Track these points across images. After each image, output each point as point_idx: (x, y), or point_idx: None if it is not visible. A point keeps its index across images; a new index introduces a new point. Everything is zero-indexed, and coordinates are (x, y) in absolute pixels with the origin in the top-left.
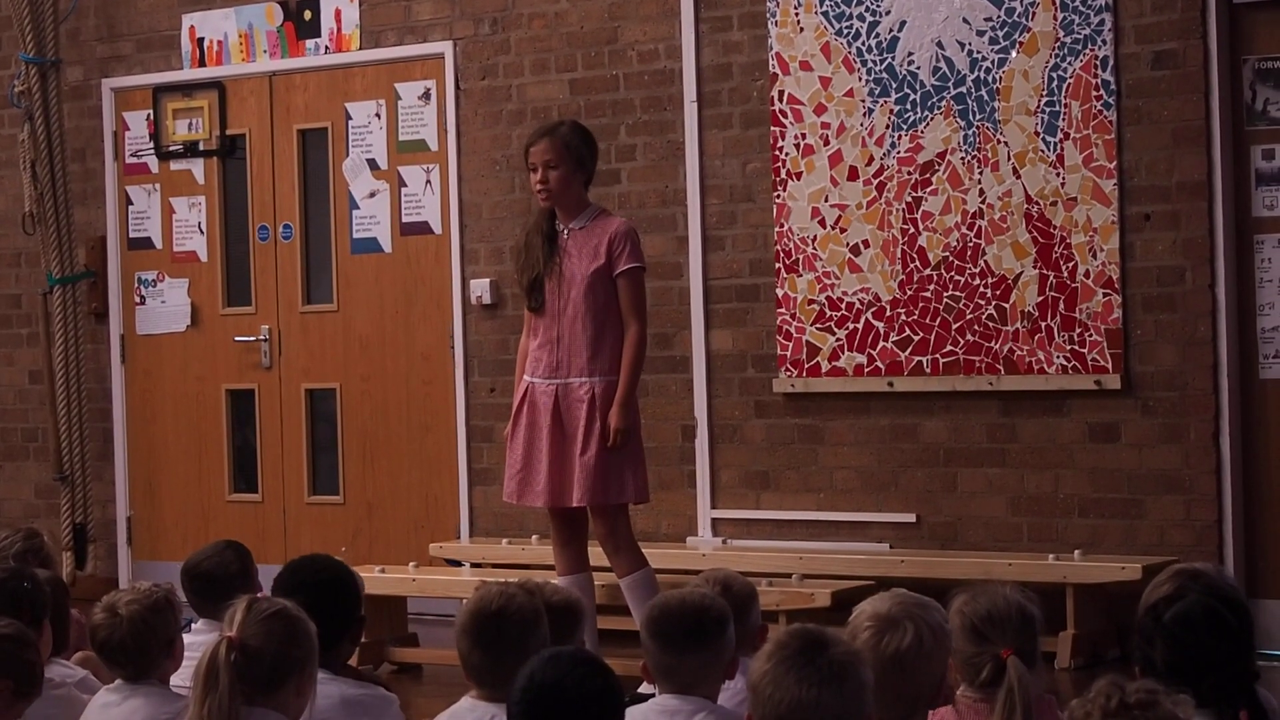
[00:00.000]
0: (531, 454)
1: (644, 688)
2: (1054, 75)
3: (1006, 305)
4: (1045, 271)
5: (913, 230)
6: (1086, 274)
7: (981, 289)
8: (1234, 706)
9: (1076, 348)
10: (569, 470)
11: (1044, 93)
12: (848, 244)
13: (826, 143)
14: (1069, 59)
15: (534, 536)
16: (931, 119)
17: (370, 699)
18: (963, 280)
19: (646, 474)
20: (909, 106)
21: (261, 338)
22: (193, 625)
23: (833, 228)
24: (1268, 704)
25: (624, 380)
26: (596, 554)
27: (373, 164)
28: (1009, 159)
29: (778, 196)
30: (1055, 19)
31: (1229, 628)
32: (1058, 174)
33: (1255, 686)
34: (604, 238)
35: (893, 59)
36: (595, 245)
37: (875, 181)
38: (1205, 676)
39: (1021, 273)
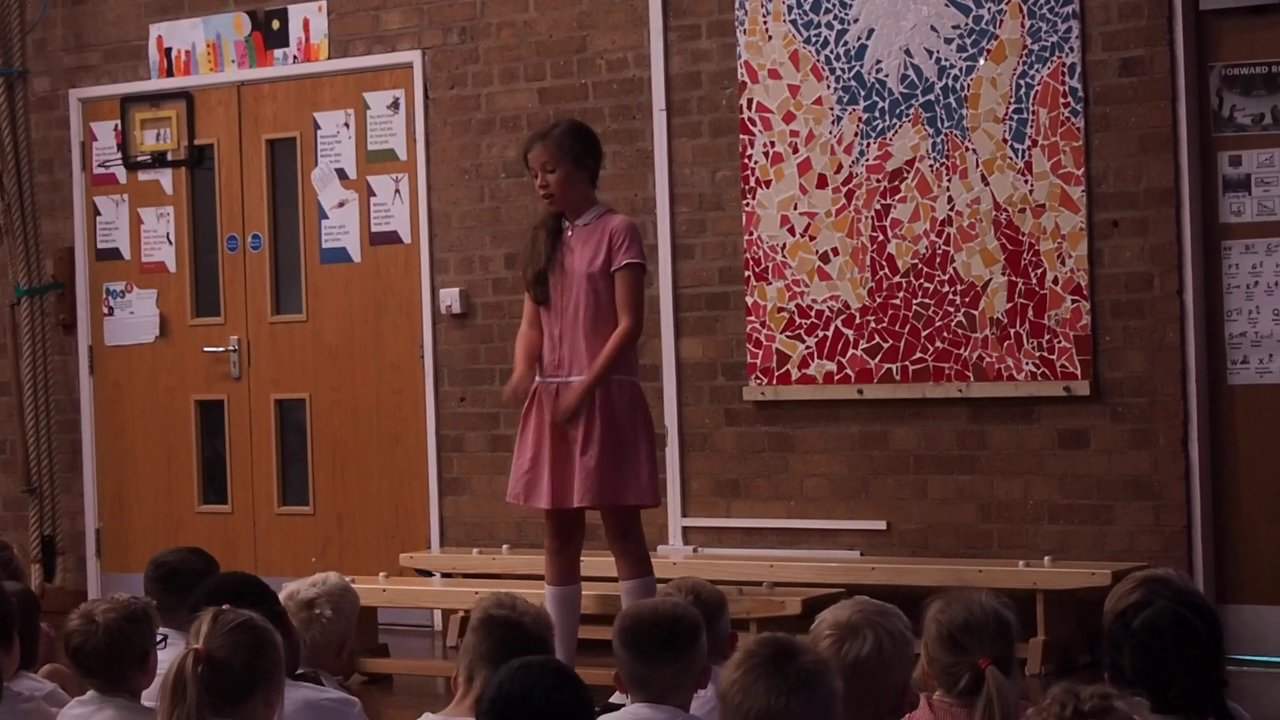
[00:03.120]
0: (539, 455)
1: (615, 697)
2: (1022, 83)
3: (975, 312)
4: (1014, 278)
5: (882, 238)
6: (1055, 280)
7: (950, 296)
8: (1202, 714)
9: (1045, 354)
10: (570, 471)
11: (1012, 100)
12: (817, 252)
13: (795, 150)
14: (1036, 66)
15: (504, 546)
16: (900, 126)
17: (332, 703)
18: (932, 287)
19: (655, 476)
20: (877, 114)
21: (230, 348)
22: (168, 640)
23: (802, 235)
24: (1235, 712)
25: (597, 366)
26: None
27: (341, 174)
28: (977, 166)
29: (747, 204)
30: (1023, 26)
31: (1197, 635)
32: (1026, 181)
33: (1224, 694)
34: (605, 234)
35: (861, 67)
36: (597, 242)
37: (844, 189)
38: (1173, 684)
39: (990, 280)
